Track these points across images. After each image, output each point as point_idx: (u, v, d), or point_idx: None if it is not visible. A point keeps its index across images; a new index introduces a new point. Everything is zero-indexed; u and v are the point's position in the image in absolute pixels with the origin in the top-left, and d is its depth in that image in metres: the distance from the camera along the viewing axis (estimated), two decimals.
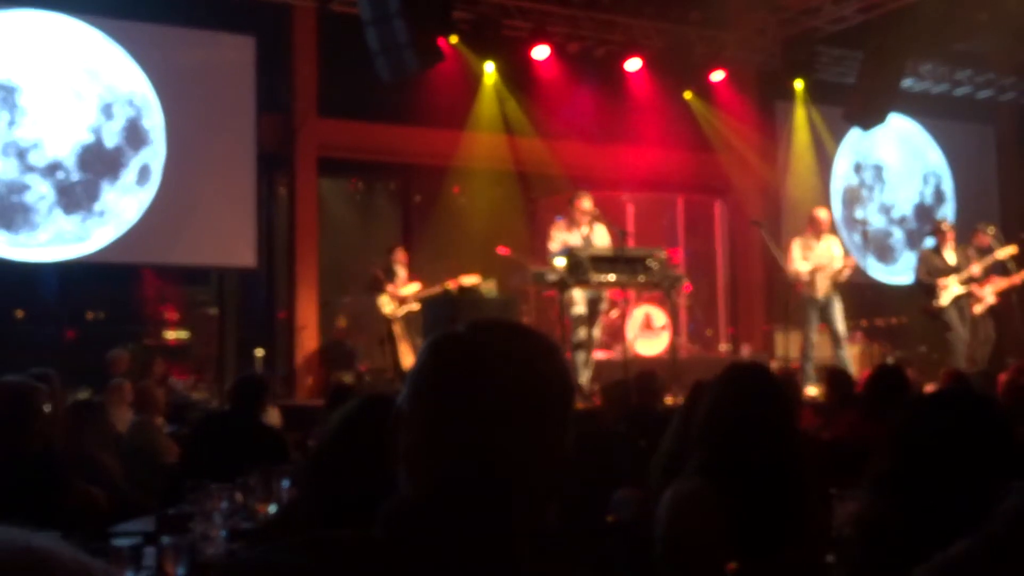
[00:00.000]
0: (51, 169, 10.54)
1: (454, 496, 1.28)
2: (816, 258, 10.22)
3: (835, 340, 10.20)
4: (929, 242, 11.30)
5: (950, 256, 10.68)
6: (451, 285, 10.41)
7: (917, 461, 1.96)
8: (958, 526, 1.63)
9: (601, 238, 9.65)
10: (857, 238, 14.86)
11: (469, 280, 10.39)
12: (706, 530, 2.58)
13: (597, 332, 9.90)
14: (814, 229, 10.40)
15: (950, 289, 10.50)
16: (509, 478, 1.29)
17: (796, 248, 10.36)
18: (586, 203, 9.65)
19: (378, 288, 10.78)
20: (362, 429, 2.11)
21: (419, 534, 1.26)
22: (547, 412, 1.33)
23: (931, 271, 10.64)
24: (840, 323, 10.21)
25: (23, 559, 0.83)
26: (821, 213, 10.62)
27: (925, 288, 10.69)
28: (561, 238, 9.54)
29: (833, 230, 11.00)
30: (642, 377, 6.23)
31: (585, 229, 9.61)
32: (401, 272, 10.89)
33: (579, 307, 9.43)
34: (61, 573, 0.85)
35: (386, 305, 10.71)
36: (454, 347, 1.35)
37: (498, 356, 1.33)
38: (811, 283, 10.16)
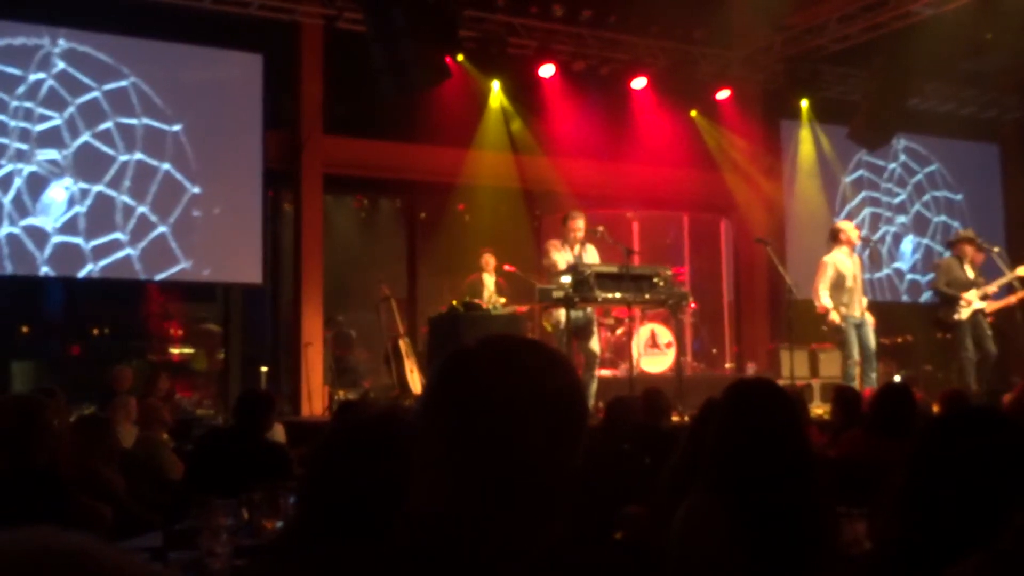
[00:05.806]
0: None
1: (467, 510, 1.27)
2: (852, 276, 9.96)
3: (866, 359, 9.98)
4: (947, 254, 11.17)
5: (969, 270, 10.49)
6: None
7: (939, 480, 1.95)
8: (975, 545, 1.61)
9: (591, 258, 9.73)
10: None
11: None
12: (717, 548, 2.57)
13: (596, 349, 9.87)
14: (848, 244, 10.11)
15: (973, 303, 10.31)
16: (522, 492, 1.29)
17: (830, 268, 9.95)
18: (580, 223, 9.74)
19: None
20: (353, 443, 2.08)
21: (434, 547, 1.25)
22: (559, 427, 1.33)
23: (951, 282, 10.40)
24: (872, 342, 10.03)
25: (69, 556, 0.83)
26: (851, 229, 10.35)
27: (945, 299, 10.46)
28: (556, 256, 9.64)
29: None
30: (648, 395, 6.22)
31: (577, 248, 9.71)
32: (491, 282, 10.79)
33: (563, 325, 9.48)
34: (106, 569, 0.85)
35: None
36: (466, 363, 1.35)
37: (510, 371, 1.33)
38: (849, 304, 9.91)
